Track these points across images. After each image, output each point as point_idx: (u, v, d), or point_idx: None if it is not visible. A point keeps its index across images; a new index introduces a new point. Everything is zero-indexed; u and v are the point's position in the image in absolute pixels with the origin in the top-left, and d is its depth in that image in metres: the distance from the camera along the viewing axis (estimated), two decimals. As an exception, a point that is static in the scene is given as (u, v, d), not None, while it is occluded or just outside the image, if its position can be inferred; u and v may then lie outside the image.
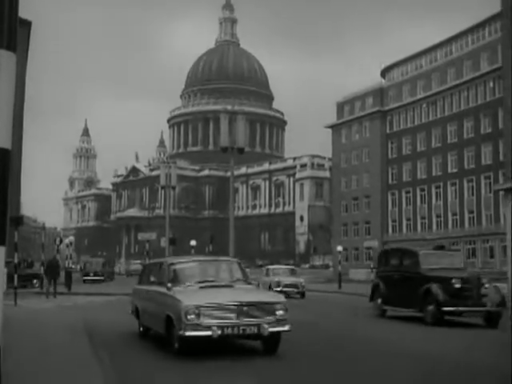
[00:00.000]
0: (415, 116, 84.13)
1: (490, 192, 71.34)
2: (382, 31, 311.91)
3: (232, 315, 10.67)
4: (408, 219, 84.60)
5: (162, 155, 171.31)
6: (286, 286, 33.76)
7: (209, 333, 10.47)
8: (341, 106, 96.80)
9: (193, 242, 61.30)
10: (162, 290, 11.85)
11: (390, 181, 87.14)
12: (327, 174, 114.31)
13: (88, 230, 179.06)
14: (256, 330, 10.75)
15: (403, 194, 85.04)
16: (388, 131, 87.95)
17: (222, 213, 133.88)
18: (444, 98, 79.69)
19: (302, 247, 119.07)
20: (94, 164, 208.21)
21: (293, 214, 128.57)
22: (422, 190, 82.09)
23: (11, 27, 3.39)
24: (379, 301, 20.40)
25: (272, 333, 10.88)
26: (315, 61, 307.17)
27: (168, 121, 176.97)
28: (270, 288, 31.98)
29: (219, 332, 10.49)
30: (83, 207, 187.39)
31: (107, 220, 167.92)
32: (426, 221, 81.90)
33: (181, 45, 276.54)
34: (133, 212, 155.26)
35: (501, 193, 63.00)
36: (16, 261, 27.73)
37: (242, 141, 33.23)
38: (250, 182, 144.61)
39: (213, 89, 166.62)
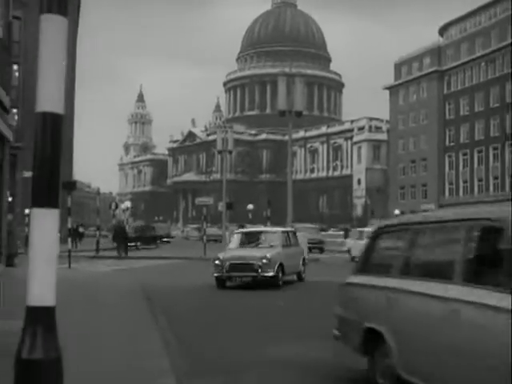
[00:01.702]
0: (473, 75, 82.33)
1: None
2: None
3: None
4: (465, 181, 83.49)
5: (219, 120, 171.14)
6: None
7: None
8: (398, 67, 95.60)
9: (250, 206, 62.08)
10: None
11: (447, 142, 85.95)
12: (385, 136, 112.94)
13: (144, 194, 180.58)
14: None
15: (460, 156, 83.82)
16: (446, 91, 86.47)
17: (279, 177, 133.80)
18: (503, 55, 77.59)
19: (359, 211, 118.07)
20: (149, 129, 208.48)
21: (350, 177, 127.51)
22: (480, 151, 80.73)
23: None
24: None
25: None
26: (372, 21, 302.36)
27: (224, 84, 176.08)
28: None
29: None
30: (139, 172, 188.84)
31: (163, 185, 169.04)
32: (483, 183, 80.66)
33: (236, 8, 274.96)
34: (189, 176, 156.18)
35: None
36: (69, 225, 28.78)
37: (299, 104, 33.07)
38: (308, 145, 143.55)
39: (269, 51, 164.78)
